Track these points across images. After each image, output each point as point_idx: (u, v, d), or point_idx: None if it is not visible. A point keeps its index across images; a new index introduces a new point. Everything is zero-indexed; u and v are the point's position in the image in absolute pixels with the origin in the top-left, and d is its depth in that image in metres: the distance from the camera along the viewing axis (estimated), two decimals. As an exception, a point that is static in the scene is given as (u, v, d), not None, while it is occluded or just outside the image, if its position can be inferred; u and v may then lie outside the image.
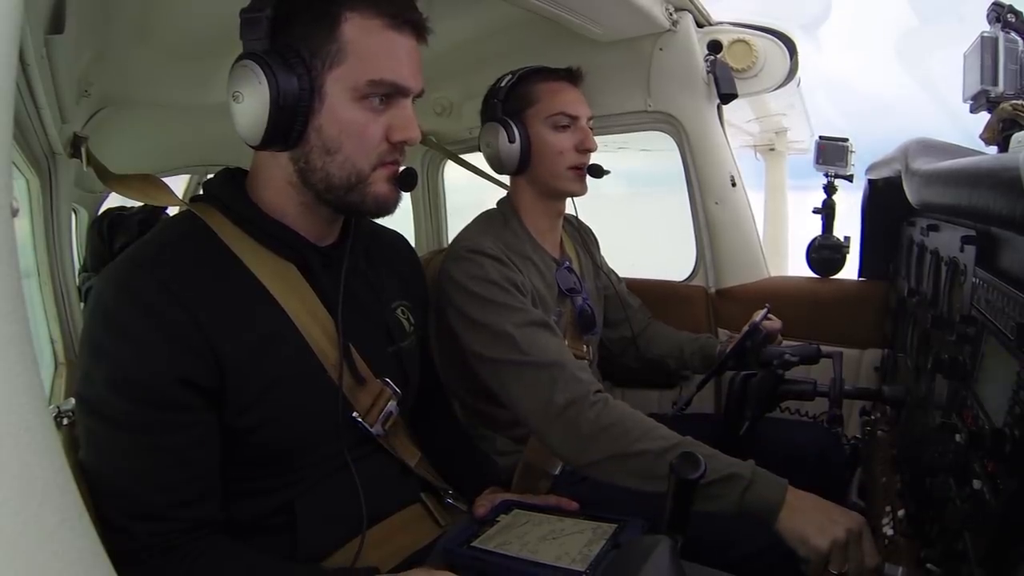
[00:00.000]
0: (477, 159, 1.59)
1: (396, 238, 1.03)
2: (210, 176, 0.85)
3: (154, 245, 0.73)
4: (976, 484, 0.55)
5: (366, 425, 0.82)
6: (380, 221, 0.99)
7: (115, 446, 0.67)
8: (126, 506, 0.66)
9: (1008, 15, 0.91)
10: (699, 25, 1.52)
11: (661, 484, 0.82)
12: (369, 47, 0.72)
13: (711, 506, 0.80)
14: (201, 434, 0.70)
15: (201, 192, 0.82)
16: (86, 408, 0.68)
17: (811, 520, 0.77)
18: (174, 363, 0.67)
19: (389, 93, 0.74)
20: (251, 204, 0.78)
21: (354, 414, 0.81)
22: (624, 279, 1.51)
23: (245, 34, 0.72)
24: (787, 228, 3.32)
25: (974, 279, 0.69)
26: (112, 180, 0.82)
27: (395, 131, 0.75)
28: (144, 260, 0.70)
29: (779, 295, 1.50)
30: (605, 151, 1.48)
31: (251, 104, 0.70)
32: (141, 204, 2.28)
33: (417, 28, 0.76)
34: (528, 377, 0.97)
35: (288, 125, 0.70)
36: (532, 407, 0.96)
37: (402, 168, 0.79)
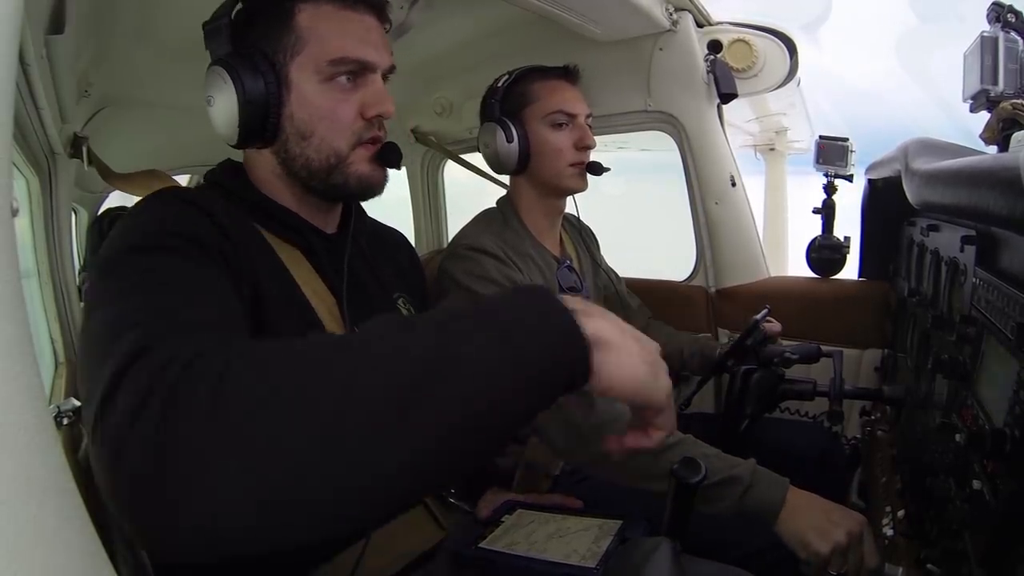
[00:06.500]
0: (477, 159, 1.60)
1: (395, 235, 1.03)
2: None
3: (169, 206, 0.68)
4: (976, 484, 0.55)
5: None
6: (380, 219, 0.98)
7: (140, 283, 0.53)
8: (132, 340, 0.43)
9: (1008, 15, 0.91)
10: (699, 25, 1.52)
11: (660, 483, 0.82)
12: (324, 29, 0.73)
13: (710, 507, 0.81)
14: (234, 296, 0.60)
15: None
16: (102, 265, 0.56)
17: (811, 523, 0.77)
18: (212, 236, 0.63)
19: (355, 71, 0.75)
20: (254, 189, 0.79)
21: None
22: (624, 279, 1.51)
23: (209, 44, 0.74)
24: (787, 227, 3.33)
25: (974, 279, 0.69)
26: (115, 178, 0.83)
27: (368, 107, 0.76)
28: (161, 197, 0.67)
29: (779, 295, 1.50)
30: (605, 151, 1.48)
31: (222, 105, 0.72)
32: (141, 204, 2.27)
33: (372, 5, 0.77)
34: None
35: (260, 119, 0.72)
36: None
37: (384, 144, 0.79)
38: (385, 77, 0.79)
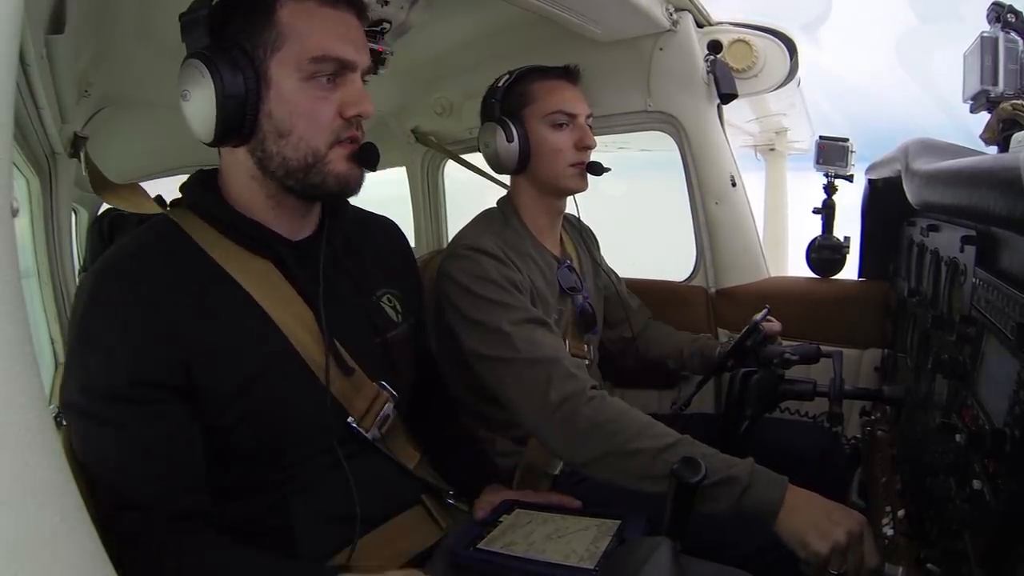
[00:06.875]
0: (478, 159, 1.59)
1: (384, 224, 1.01)
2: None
3: (126, 251, 0.74)
4: (976, 484, 0.55)
5: (361, 431, 0.82)
6: (370, 208, 0.97)
7: (95, 441, 0.68)
8: (109, 497, 0.67)
9: (1008, 15, 0.91)
10: (699, 25, 1.52)
11: (659, 484, 0.81)
12: (306, 26, 0.72)
13: (709, 507, 0.80)
14: (177, 426, 0.71)
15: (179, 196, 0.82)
16: (68, 410, 0.69)
17: (811, 522, 0.77)
18: (137, 367, 0.68)
19: (335, 70, 0.74)
20: (223, 203, 0.78)
21: (349, 419, 0.81)
22: (624, 279, 1.51)
23: (186, 37, 0.73)
24: (787, 227, 3.34)
25: (974, 279, 0.69)
26: (104, 188, 0.83)
27: (347, 107, 0.75)
28: (114, 267, 0.72)
29: (779, 295, 1.50)
30: (605, 151, 1.48)
31: (199, 101, 0.71)
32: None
33: (354, 3, 0.77)
34: (523, 375, 0.97)
35: (238, 116, 0.71)
36: (528, 405, 0.96)
37: (361, 144, 0.79)
38: (364, 78, 0.78)
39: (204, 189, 0.80)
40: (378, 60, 1.21)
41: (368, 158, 0.78)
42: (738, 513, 0.80)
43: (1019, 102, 0.87)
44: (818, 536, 0.75)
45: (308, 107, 0.73)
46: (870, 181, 1.41)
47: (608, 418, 0.90)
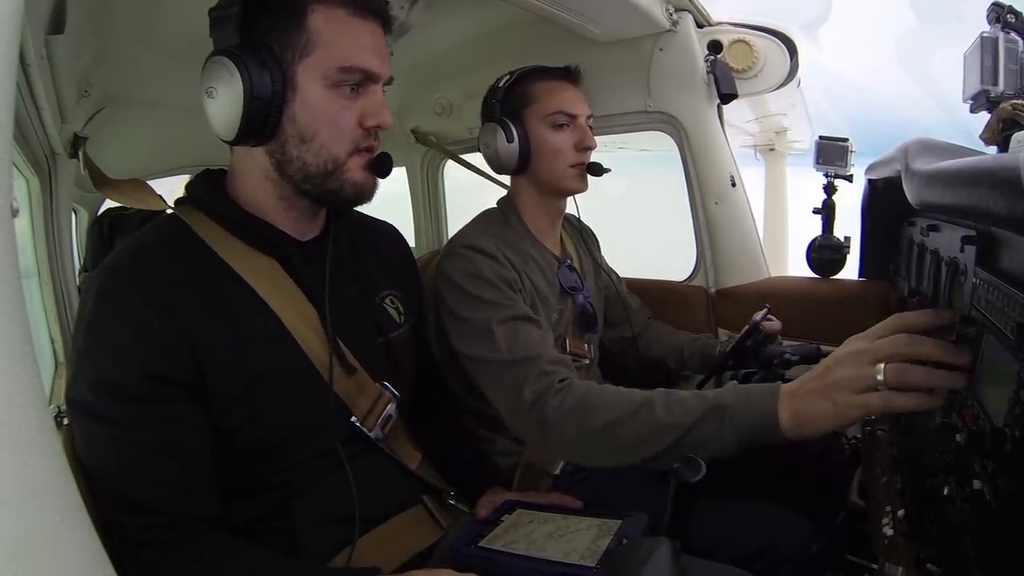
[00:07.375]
0: (478, 159, 1.60)
1: (386, 228, 1.02)
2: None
3: (134, 249, 0.74)
4: (976, 484, 0.55)
5: (365, 430, 0.82)
6: (372, 213, 0.98)
7: (103, 443, 0.68)
8: (118, 500, 0.67)
9: (1008, 15, 0.91)
10: (699, 25, 1.52)
11: (635, 453, 0.79)
12: (337, 35, 0.73)
13: (711, 451, 0.74)
14: (187, 426, 0.70)
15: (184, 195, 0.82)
16: (75, 409, 0.69)
17: (817, 406, 0.69)
18: (149, 363, 0.68)
19: (360, 80, 0.75)
20: (230, 202, 0.79)
21: (352, 419, 0.81)
22: (624, 279, 1.51)
23: (215, 32, 0.73)
24: (787, 227, 3.35)
25: (974, 279, 0.68)
26: (105, 185, 0.83)
27: (368, 117, 0.76)
28: (122, 265, 0.72)
29: (779, 295, 1.50)
30: (605, 151, 1.48)
31: (225, 99, 0.71)
32: (141, 204, 2.27)
33: (381, 15, 0.78)
34: (503, 376, 0.96)
35: (263, 117, 0.72)
36: (506, 406, 0.96)
37: (376, 154, 0.80)
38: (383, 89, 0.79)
39: (211, 187, 0.80)
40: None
41: (383, 168, 0.79)
42: (737, 441, 0.74)
43: (1019, 102, 0.87)
44: (834, 416, 0.67)
45: (332, 115, 0.74)
46: (870, 181, 1.41)
47: (576, 404, 0.87)
